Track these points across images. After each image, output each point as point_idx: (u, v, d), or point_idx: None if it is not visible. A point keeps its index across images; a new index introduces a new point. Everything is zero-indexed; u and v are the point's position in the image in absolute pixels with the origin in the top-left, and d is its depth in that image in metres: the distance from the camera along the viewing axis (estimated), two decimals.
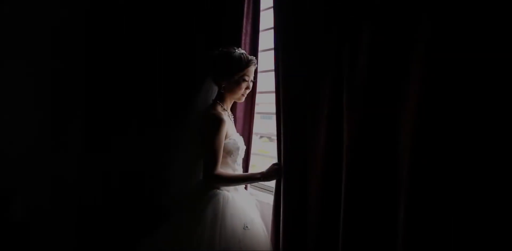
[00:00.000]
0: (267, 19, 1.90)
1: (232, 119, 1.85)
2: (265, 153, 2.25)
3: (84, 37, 2.84)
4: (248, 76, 1.73)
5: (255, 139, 2.47)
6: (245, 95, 1.80)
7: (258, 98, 2.02)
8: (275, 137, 1.71)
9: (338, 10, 1.36)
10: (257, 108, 2.04)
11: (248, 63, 1.72)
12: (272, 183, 1.75)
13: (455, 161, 1.03)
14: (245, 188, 1.96)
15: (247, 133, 1.96)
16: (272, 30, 1.70)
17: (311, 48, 1.49)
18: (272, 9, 1.71)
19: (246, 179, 1.73)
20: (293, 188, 1.58)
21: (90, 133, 2.88)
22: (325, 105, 1.43)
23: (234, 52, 1.72)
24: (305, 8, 1.52)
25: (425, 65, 1.06)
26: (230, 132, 1.72)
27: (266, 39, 1.92)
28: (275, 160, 1.69)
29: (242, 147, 1.77)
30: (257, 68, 1.85)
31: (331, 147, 1.41)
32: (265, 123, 2.39)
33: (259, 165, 2.17)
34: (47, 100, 2.78)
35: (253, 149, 2.01)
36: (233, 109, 1.94)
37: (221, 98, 1.77)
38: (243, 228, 1.62)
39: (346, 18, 1.33)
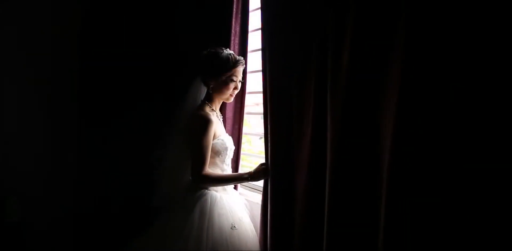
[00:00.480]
0: (257, 19, 1.90)
1: (221, 119, 1.86)
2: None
3: (79, 38, 2.86)
4: (236, 76, 1.74)
5: (255, 140, 2.48)
6: (234, 95, 1.80)
7: (259, 98, 2.01)
8: None
9: (322, 12, 1.37)
10: (257, 109, 2.04)
11: (235, 63, 1.72)
12: (262, 183, 1.76)
13: (431, 160, 1.04)
14: (235, 188, 1.97)
15: (236, 133, 1.96)
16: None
17: (296, 49, 1.50)
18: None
19: (234, 179, 1.74)
20: (280, 188, 1.59)
21: (86, 133, 2.90)
22: (311, 105, 1.44)
23: (222, 52, 1.72)
24: (291, 9, 1.53)
25: (403, 64, 1.07)
26: (218, 132, 1.73)
27: (257, 39, 1.92)
28: None
29: (231, 147, 1.78)
30: (246, 68, 1.86)
31: (316, 147, 1.42)
32: None
33: None
34: (43, 100, 2.79)
35: (253, 151, 2.00)
36: (223, 109, 1.95)
37: (209, 99, 1.78)
38: (231, 228, 1.63)
39: (329, 19, 1.33)
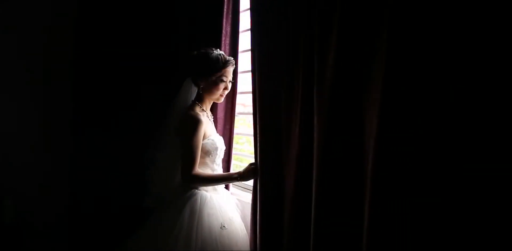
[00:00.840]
0: (249, 20, 1.91)
1: (212, 119, 1.87)
2: None
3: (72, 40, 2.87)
4: (226, 76, 1.75)
5: (252, 140, 2.48)
6: (224, 96, 1.81)
7: None
8: None
9: (309, 15, 1.37)
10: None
11: (225, 63, 1.73)
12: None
13: (414, 160, 1.04)
14: (227, 188, 1.97)
15: (228, 133, 1.97)
16: None
17: (284, 50, 1.51)
18: None
19: (224, 179, 1.75)
20: (269, 187, 1.59)
21: (82, 133, 2.91)
22: (298, 105, 1.44)
23: (212, 52, 1.73)
24: (280, 11, 1.53)
25: (386, 65, 1.07)
26: (208, 132, 1.74)
27: (248, 39, 1.93)
28: None
29: (221, 148, 1.78)
30: (236, 68, 1.87)
31: (304, 146, 1.42)
32: None
33: None
34: (39, 100, 2.81)
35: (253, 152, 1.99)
36: (214, 109, 1.95)
37: (199, 99, 1.79)
38: (220, 228, 1.63)
39: (316, 22, 1.34)
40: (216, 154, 1.75)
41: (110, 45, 2.64)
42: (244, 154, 2.29)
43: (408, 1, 1.03)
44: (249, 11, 1.90)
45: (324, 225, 1.29)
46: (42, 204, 2.82)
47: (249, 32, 1.90)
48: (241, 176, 1.66)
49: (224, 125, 1.97)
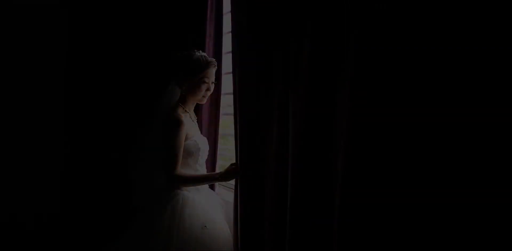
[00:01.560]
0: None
1: (195, 120, 1.89)
2: None
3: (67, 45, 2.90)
4: (207, 78, 1.77)
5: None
6: (206, 97, 1.83)
7: None
8: None
9: (287, 19, 1.39)
10: None
11: (207, 65, 1.75)
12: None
13: (382, 160, 1.06)
14: (213, 188, 1.99)
15: (213, 134, 1.98)
16: None
17: (262, 52, 1.52)
18: None
19: (205, 179, 1.76)
20: (249, 187, 1.60)
21: (74, 132, 2.93)
22: (275, 107, 1.46)
23: (194, 54, 1.75)
24: (257, 15, 1.55)
25: (354, 68, 1.09)
26: (191, 133, 1.76)
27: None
28: None
29: (204, 148, 1.80)
30: (220, 70, 1.89)
31: (281, 147, 1.44)
32: None
33: None
34: (32, 99, 2.83)
35: None
36: (199, 111, 1.97)
37: (183, 100, 1.81)
38: (202, 228, 1.65)
39: (290, 24, 1.36)
40: (199, 155, 1.77)
41: (101, 46, 2.67)
42: None
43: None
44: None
45: (298, 223, 1.30)
46: (34, 204, 2.84)
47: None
48: (222, 176, 1.68)
49: (209, 126, 1.99)
